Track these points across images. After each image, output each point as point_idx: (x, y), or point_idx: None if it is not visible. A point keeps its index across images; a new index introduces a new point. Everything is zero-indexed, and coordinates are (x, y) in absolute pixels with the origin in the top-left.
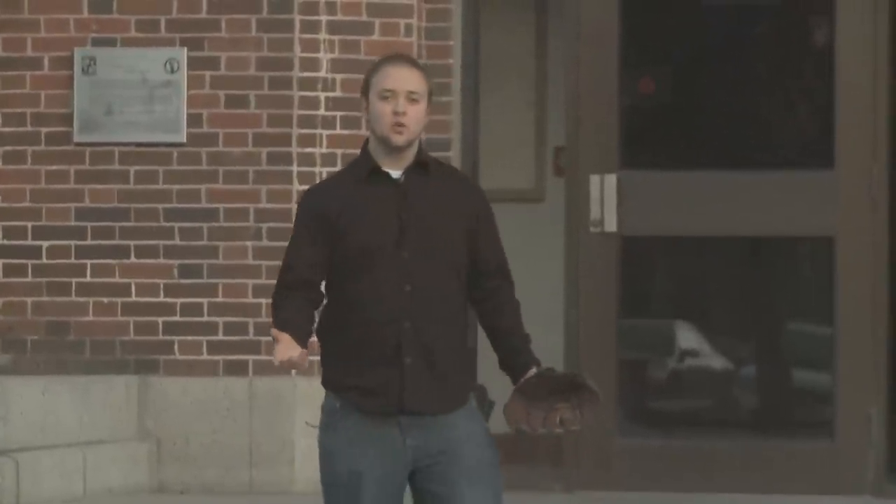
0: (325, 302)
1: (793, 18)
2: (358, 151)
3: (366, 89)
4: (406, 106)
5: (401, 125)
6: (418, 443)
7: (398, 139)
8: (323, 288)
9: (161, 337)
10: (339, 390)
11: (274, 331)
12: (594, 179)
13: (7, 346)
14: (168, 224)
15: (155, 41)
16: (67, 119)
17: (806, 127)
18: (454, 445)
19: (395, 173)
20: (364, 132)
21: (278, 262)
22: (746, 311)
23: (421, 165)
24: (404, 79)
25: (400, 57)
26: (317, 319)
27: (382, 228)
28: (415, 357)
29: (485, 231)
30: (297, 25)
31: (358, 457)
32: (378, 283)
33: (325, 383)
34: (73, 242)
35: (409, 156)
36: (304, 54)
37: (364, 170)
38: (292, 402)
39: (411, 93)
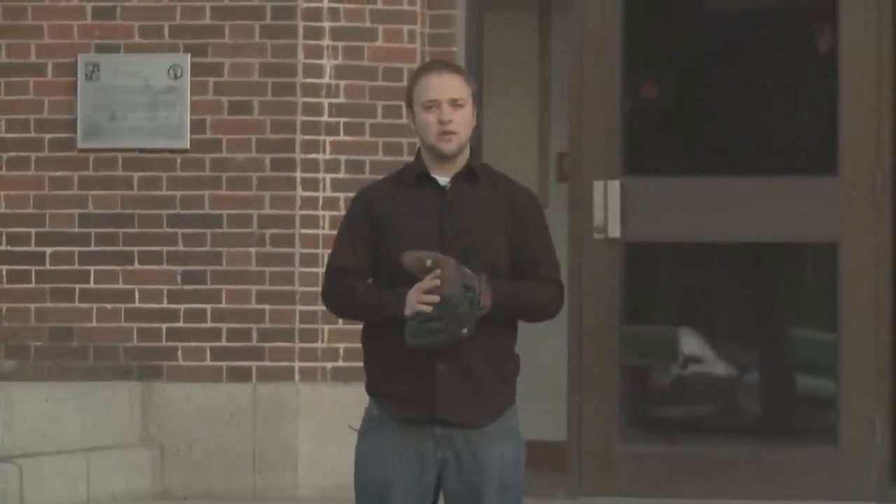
0: None
1: (796, 23)
2: (359, 157)
3: (409, 101)
4: (451, 113)
5: (448, 132)
6: (448, 456)
7: (448, 146)
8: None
9: (164, 343)
10: (377, 397)
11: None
12: (597, 185)
13: (10, 351)
14: (171, 230)
15: (158, 47)
16: (71, 125)
17: (809, 132)
18: (483, 466)
19: (443, 179)
20: (368, 138)
21: (281, 268)
22: (750, 317)
23: (470, 171)
24: (445, 87)
25: (438, 65)
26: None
27: (423, 235)
28: (448, 365)
29: (532, 235)
30: (301, 31)
31: (389, 467)
32: None
33: (367, 389)
34: (76, 248)
35: (460, 162)
36: (308, 60)
37: (412, 175)
38: (296, 407)
39: (454, 100)
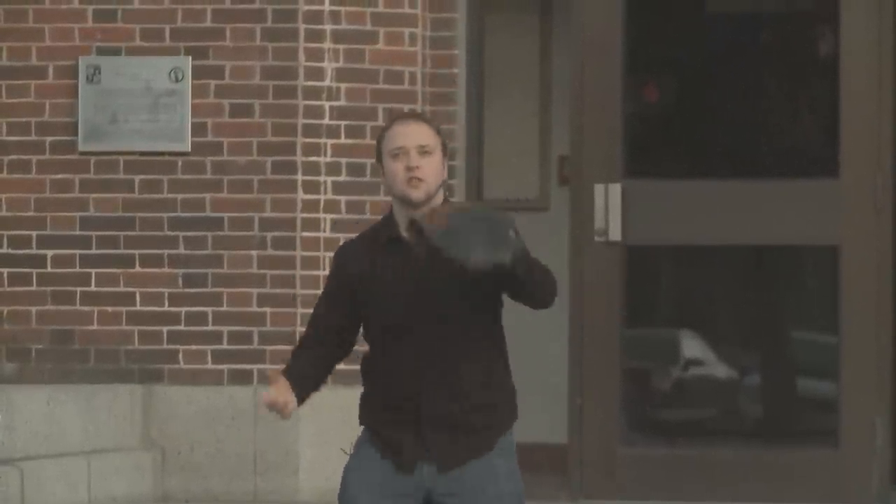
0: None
1: (797, 26)
2: (360, 160)
3: (378, 156)
4: (418, 160)
5: (416, 178)
6: (438, 481)
7: (416, 193)
8: (345, 344)
9: (165, 346)
10: (367, 431)
11: (271, 371)
12: (598, 188)
13: (12, 354)
14: (172, 233)
15: (159, 50)
16: (72, 128)
17: (810, 135)
18: (475, 483)
19: None
20: (369, 140)
21: (282, 271)
22: (751, 320)
23: None
24: (412, 134)
25: (405, 114)
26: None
27: (399, 304)
28: (434, 425)
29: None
30: (302, 34)
31: (375, 491)
32: (396, 358)
33: (359, 417)
34: (77, 251)
35: None
36: (309, 63)
37: (384, 237)
38: (297, 411)
39: (422, 146)
